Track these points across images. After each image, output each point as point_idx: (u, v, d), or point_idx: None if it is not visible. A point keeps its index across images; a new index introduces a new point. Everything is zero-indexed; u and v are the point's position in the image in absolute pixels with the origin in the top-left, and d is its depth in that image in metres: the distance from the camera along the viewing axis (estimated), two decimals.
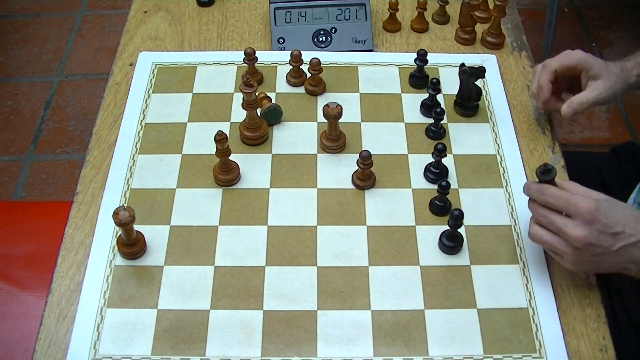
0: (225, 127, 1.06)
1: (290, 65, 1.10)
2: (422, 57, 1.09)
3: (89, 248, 0.91)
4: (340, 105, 0.99)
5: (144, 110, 1.08)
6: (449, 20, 1.25)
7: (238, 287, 0.88)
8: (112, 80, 1.14)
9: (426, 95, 1.08)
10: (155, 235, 0.93)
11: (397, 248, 0.92)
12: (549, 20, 2.09)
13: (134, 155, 1.02)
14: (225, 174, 0.98)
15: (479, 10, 1.17)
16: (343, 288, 0.88)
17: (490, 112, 1.09)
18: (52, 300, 0.87)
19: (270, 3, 1.18)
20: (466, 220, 0.91)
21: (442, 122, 1.04)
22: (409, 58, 1.13)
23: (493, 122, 1.08)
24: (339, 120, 1.00)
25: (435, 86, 1.04)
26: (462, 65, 1.05)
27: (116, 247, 0.91)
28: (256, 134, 1.03)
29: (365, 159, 0.94)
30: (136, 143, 1.04)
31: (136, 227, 0.89)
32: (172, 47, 1.19)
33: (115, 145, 1.03)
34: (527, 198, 0.87)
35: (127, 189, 0.98)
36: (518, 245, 0.92)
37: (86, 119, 2.18)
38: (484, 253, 0.91)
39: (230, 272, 0.89)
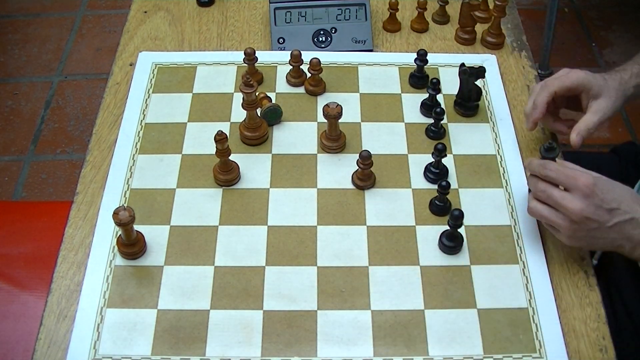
0: (225, 127, 1.06)
1: (290, 65, 1.10)
2: (422, 57, 1.09)
3: (89, 248, 0.91)
4: (340, 105, 0.99)
5: (144, 110, 1.08)
6: (449, 20, 1.25)
7: (238, 287, 0.88)
8: (112, 80, 1.14)
9: (426, 95, 1.08)
10: (155, 235, 0.93)
11: (397, 248, 0.92)
12: (549, 20, 2.09)
13: (134, 155, 1.02)
14: (225, 174, 0.98)
15: (479, 10, 1.17)
16: (343, 288, 0.88)
17: (490, 112, 1.09)
18: (52, 300, 0.87)
19: (270, 3, 1.18)
20: (466, 220, 0.91)
21: (442, 122, 1.04)
22: (409, 58, 1.13)
23: (493, 122, 1.08)
24: (339, 120, 1.00)
25: (435, 86, 1.04)
26: (462, 65, 1.05)
27: (116, 247, 0.91)
28: (256, 134, 1.03)
29: (365, 159, 0.94)
30: (136, 143, 1.04)
31: (136, 227, 0.89)
32: (172, 47, 1.19)
33: (115, 145, 1.03)
34: (527, 198, 0.88)
35: (127, 189, 0.98)
36: (518, 245, 0.92)
37: (86, 119, 2.18)
38: (484, 253, 0.91)
39: (230, 272, 0.89)
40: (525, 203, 0.96)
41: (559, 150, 0.88)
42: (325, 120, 1.00)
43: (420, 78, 1.12)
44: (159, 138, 1.05)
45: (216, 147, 0.94)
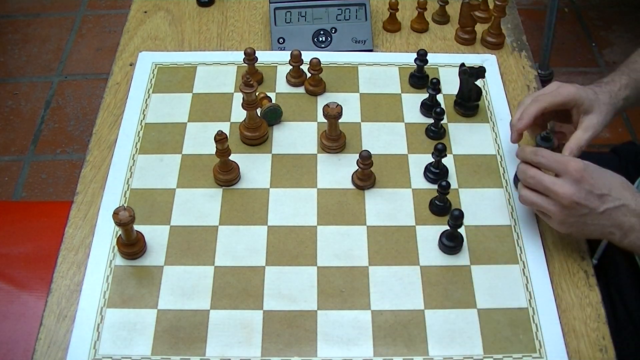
0: (225, 127, 1.06)
1: (290, 65, 1.10)
2: (422, 57, 1.09)
3: (89, 248, 0.91)
4: (340, 105, 0.99)
5: (144, 110, 1.08)
6: (449, 20, 1.25)
7: (238, 287, 0.88)
8: (112, 80, 1.14)
9: (426, 95, 1.08)
10: (155, 235, 0.93)
11: (397, 248, 0.92)
12: (549, 20, 2.09)
13: (134, 155, 1.02)
14: (225, 174, 0.98)
15: (479, 10, 1.17)
16: (343, 288, 0.88)
17: (490, 112, 1.09)
18: (52, 300, 0.87)
19: (270, 3, 1.18)
20: (466, 220, 0.91)
21: (442, 122, 1.04)
22: (409, 58, 1.13)
23: (493, 122, 1.08)
24: (339, 120, 1.00)
25: (435, 86, 1.04)
26: (462, 65, 1.05)
27: (116, 247, 0.91)
28: (256, 134, 1.03)
29: (365, 159, 0.94)
30: (136, 143, 1.04)
31: (136, 227, 0.89)
32: (172, 47, 1.20)
33: (115, 145, 1.03)
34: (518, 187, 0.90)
35: (127, 189, 0.98)
36: (518, 245, 0.92)
37: (86, 119, 2.18)
38: (484, 253, 0.91)
39: (230, 272, 0.89)
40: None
41: (553, 142, 0.89)
42: (325, 120, 1.00)
43: (420, 78, 1.12)
44: (159, 138, 1.05)
45: (216, 147, 0.94)
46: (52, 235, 1.06)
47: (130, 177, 0.99)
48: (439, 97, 1.07)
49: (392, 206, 0.96)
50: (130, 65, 1.16)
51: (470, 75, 1.04)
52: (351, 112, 1.08)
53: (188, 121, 1.07)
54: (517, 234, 0.94)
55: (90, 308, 0.85)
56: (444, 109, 1.02)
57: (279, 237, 0.93)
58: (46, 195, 1.98)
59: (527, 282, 0.88)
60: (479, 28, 1.21)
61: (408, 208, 0.96)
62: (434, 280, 0.89)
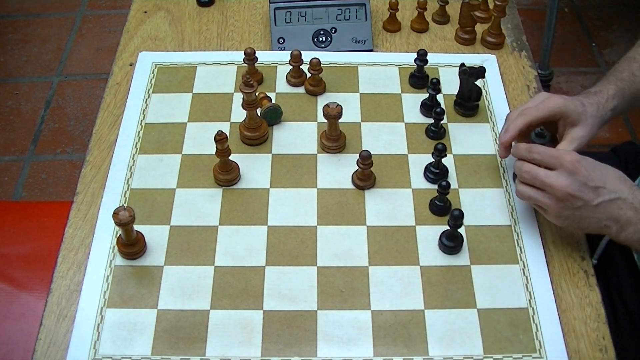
0: (225, 127, 1.06)
1: (290, 65, 1.10)
2: (422, 57, 1.09)
3: (89, 248, 0.91)
4: (340, 105, 0.99)
5: (144, 110, 1.08)
6: (449, 20, 1.25)
7: (238, 287, 0.88)
8: (112, 80, 1.14)
9: (426, 95, 1.08)
10: (155, 235, 0.93)
11: (397, 248, 0.92)
12: (549, 20, 2.09)
13: (134, 155, 1.02)
14: (225, 174, 0.98)
15: (479, 10, 1.17)
16: (343, 288, 0.88)
17: (490, 112, 1.09)
18: (52, 300, 0.87)
19: (270, 3, 1.18)
20: (466, 220, 0.91)
21: (442, 122, 1.04)
22: (409, 58, 1.13)
23: (493, 122, 1.08)
24: (339, 120, 1.00)
25: (435, 86, 1.04)
26: (462, 65, 1.05)
27: (116, 247, 0.91)
28: (256, 134, 1.03)
29: (365, 159, 0.94)
30: (136, 143, 1.04)
31: (136, 227, 0.89)
32: (172, 47, 1.20)
33: (115, 145, 1.03)
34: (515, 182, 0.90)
35: (127, 189, 0.98)
36: (518, 245, 0.92)
37: (86, 119, 2.18)
38: (484, 253, 0.91)
39: (230, 272, 0.89)
40: (525, 203, 0.96)
41: (548, 138, 0.90)
42: (325, 120, 1.00)
43: (420, 78, 1.12)
44: (159, 138, 1.05)
45: (216, 147, 0.94)
46: (52, 235, 1.06)
47: (130, 177, 0.99)
48: (439, 97, 1.07)
49: (392, 206, 0.96)
50: (130, 65, 1.16)
51: (470, 75, 1.04)
52: (351, 112, 1.08)
53: (188, 121, 1.07)
54: (517, 234, 0.94)
55: (90, 308, 0.85)
56: (444, 109, 1.02)
57: (279, 237, 0.93)
58: (46, 195, 1.98)
59: (527, 282, 0.88)
60: (479, 28, 1.21)
61: (408, 208, 0.96)
62: (434, 280, 0.89)
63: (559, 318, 0.85)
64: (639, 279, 0.99)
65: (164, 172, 1.00)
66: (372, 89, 1.12)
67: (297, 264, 0.90)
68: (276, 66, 1.15)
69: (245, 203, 0.96)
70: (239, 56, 1.12)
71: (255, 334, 0.83)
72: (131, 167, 1.00)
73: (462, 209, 0.91)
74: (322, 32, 1.19)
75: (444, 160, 0.98)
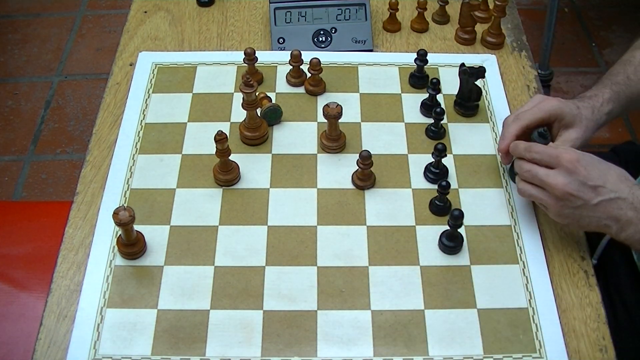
0: (225, 127, 1.06)
1: (290, 65, 1.10)
2: (422, 57, 1.09)
3: (89, 248, 0.91)
4: (340, 105, 0.99)
5: (144, 110, 1.08)
6: (449, 20, 1.25)
7: (238, 287, 0.88)
8: (112, 80, 1.14)
9: (426, 95, 1.08)
10: (155, 235, 0.93)
11: (397, 248, 0.92)
12: (549, 20, 2.09)
13: (134, 155, 1.02)
14: (225, 174, 0.98)
15: (479, 10, 1.17)
16: (343, 288, 0.88)
17: (490, 112, 1.09)
18: (52, 300, 0.87)
19: (270, 3, 1.18)
20: (466, 220, 0.91)
21: (442, 122, 1.04)
22: (409, 58, 1.13)
23: (493, 122, 1.08)
24: (339, 120, 1.00)
25: (435, 86, 1.04)
26: (462, 65, 1.05)
27: (116, 247, 0.91)
28: (256, 134, 1.03)
29: (365, 159, 0.94)
30: (136, 143, 1.04)
31: (136, 227, 0.89)
32: (172, 47, 1.20)
33: (115, 145, 1.03)
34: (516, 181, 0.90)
35: (127, 189, 0.98)
36: (518, 245, 0.92)
37: (86, 119, 2.18)
38: (484, 253, 0.91)
39: (230, 272, 0.89)
40: (525, 203, 0.96)
41: (549, 139, 0.90)
42: (325, 120, 1.00)
43: (420, 78, 1.12)
44: (159, 138, 1.05)
45: (216, 147, 0.94)
46: (52, 235, 1.06)
47: (130, 177, 0.99)
48: (439, 97, 1.07)
49: (392, 206, 0.96)
50: (130, 65, 1.16)
51: (470, 75, 1.04)
52: (351, 112, 1.08)
53: (188, 121, 1.07)
54: (517, 234, 0.94)
55: (90, 308, 0.85)
56: (444, 109, 1.02)
57: (279, 237, 0.93)
58: (46, 195, 1.98)
59: (527, 282, 0.88)
60: (479, 28, 1.21)
61: (408, 208, 0.96)
62: (434, 280, 0.88)
63: (559, 318, 0.85)
64: (639, 279, 0.99)
65: (164, 172, 1.00)
66: (372, 89, 1.12)
67: (297, 264, 0.90)
68: (276, 66, 1.15)
69: (245, 203, 0.96)
70: (239, 56, 1.12)
71: (255, 334, 0.83)
72: (131, 167, 1.00)
73: (462, 209, 0.91)
74: (322, 32, 1.19)
75: (444, 160, 0.98)
